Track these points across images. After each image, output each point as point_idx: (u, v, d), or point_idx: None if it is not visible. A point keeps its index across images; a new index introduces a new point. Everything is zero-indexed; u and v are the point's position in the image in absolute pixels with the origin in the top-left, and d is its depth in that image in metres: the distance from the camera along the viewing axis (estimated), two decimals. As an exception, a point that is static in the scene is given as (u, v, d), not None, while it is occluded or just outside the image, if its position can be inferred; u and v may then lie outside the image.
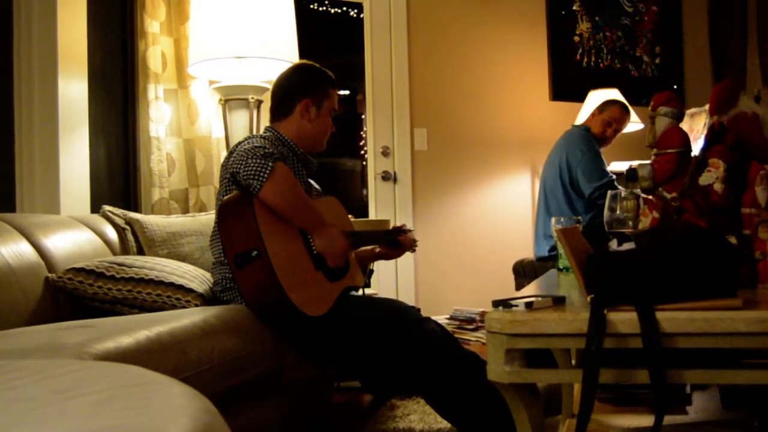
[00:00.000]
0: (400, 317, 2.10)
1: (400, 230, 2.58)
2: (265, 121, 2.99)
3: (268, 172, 2.03)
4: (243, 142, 2.22)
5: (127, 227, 2.64)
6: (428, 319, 2.15)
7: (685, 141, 1.92)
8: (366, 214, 4.53)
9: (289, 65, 3.02)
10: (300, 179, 2.34)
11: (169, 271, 2.23)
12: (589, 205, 3.83)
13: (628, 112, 4.16)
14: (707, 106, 2.74)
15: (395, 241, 2.56)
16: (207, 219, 2.80)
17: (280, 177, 2.06)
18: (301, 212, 2.16)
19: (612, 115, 4.10)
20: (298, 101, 2.39)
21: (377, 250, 2.58)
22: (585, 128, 4.06)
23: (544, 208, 4.02)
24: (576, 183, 3.87)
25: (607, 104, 4.13)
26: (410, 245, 2.60)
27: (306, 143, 2.40)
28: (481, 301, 4.15)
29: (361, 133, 4.87)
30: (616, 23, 5.45)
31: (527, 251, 4.27)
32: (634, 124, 4.90)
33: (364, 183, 4.86)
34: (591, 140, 3.96)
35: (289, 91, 2.42)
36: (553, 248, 3.67)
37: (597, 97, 4.35)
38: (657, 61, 5.62)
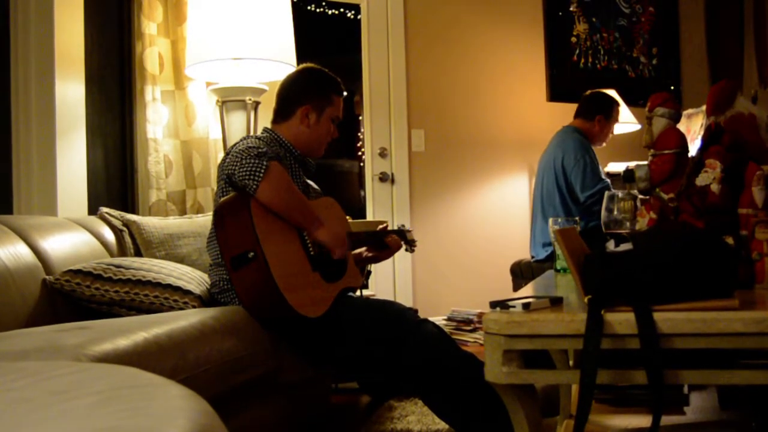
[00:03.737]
0: (397, 319, 2.10)
1: (388, 232, 2.57)
2: (263, 122, 2.99)
3: (263, 171, 2.03)
4: (238, 143, 2.22)
5: (125, 229, 2.64)
6: (426, 320, 2.15)
7: (682, 142, 1.92)
8: (364, 216, 4.53)
9: (285, 66, 3.03)
10: (297, 180, 2.34)
11: (167, 272, 2.22)
12: (584, 211, 3.82)
13: (618, 104, 4.20)
14: (704, 107, 2.74)
15: (382, 243, 2.55)
16: (204, 220, 2.80)
17: (275, 176, 2.06)
18: (298, 210, 2.16)
19: (616, 117, 4.14)
20: (298, 106, 2.38)
21: (364, 254, 2.57)
22: (580, 132, 4.03)
23: (541, 215, 4.01)
24: (572, 189, 3.87)
25: (607, 108, 4.09)
26: (397, 246, 2.58)
27: (303, 148, 2.40)
28: (478, 302, 4.15)
29: (359, 134, 4.87)
30: (613, 24, 5.46)
31: (525, 252, 4.27)
32: (632, 124, 4.91)
33: (361, 184, 4.86)
34: (586, 146, 3.93)
35: (291, 95, 2.42)
36: (552, 254, 3.67)
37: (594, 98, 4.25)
38: (654, 62, 5.63)
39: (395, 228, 2.65)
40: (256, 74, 3.16)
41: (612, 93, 4.68)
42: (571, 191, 3.88)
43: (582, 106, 4.16)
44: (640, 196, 1.93)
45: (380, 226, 2.62)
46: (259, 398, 2.05)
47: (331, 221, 2.28)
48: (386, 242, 2.54)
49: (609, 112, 4.09)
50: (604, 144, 4.17)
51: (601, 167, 3.96)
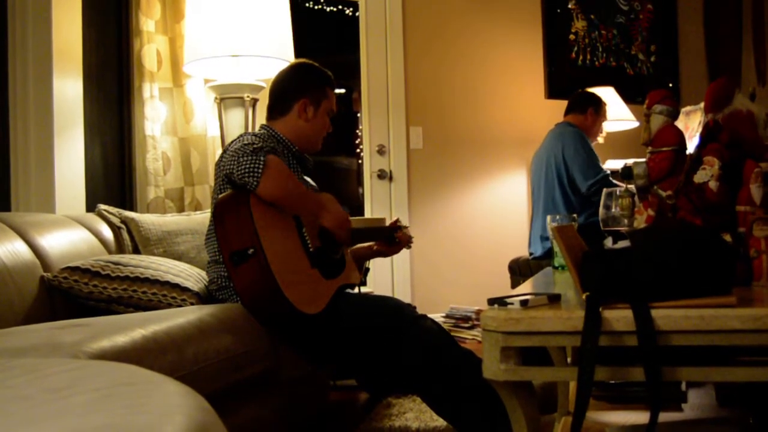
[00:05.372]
0: (396, 315, 2.11)
1: (398, 227, 2.59)
2: (261, 119, 2.98)
3: (261, 167, 2.03)
4: (234, 141, 2.21)
5: (123, 226, 2.63)
6: (424, 317, 2.15)
7: (680, 139, 1.92)
8: (362, 213, 4.54)
9: (284, 63, 3.02)
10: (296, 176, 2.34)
11: (165, 269, 2.22)
12: (585, 203, 3.84)
13: (605, 103, 4.29)
14: (702, 104, 2.74)
15: (392, 238, 2.57)
16: (202, 218, 2.80)
17: (274, 170, 2.06)
18: (301, 199, 2.17)
19: (604, 114, 4.21)
20: (295, 100, 2.39)
21: (375, 247, 2.59)
22: (575, 126, 4.06)
23: (543, 209, 4.02)
24: (573, 181, 3.89)
25: (596, 102, 4.17)
26: (407, 242, 2.61)
27: (302, 143, 2.40)
28: (476, 299, 4.15)
29: (357, 131, 4.87)
30: (611, 21, 5.46)
31: (523, 249, 4.28)
32: (630, 122, 4.91)
33: (359, 181, 4.86)
34: (584, 137, 4.00)
35: (287, 90, 2.42)
36: (550, 250, 3.68)
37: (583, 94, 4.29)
38: (652, 59, 5.63)
39: (392, 223, 2.66)
40: (254, 71, 3.16)
41: (610, 91, 4.70)
42: (571, 183, 3.90)
43: (572, 102, 4.24)
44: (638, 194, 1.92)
45: (389, 222, 2.65)
46: (258, 395, 2.05)
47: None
48: (397, 237, 2.57)
49: (598, 106, 4.18)
50: (597, 140, 4.21)
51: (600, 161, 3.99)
